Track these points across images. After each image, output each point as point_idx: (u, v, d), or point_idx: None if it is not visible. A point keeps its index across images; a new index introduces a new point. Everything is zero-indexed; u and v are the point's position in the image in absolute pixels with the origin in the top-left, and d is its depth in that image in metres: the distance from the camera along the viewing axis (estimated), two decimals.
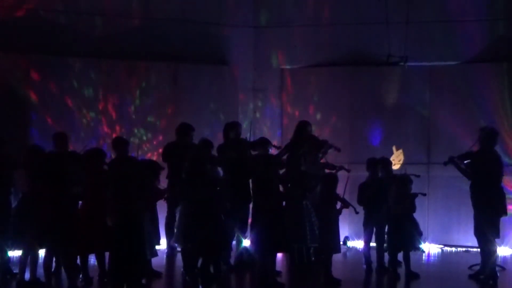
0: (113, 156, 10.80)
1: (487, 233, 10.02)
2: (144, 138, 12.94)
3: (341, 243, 10.35)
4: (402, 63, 12.22)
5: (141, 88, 13.10)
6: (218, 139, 11.29)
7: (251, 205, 10.58)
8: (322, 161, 11.20)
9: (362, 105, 13.44)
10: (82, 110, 12.68)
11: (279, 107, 13.96)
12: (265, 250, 9.46)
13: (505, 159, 11.31)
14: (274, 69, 13.98)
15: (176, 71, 13.29)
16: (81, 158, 9.80)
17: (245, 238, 10.94)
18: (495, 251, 10.18)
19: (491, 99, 12.76)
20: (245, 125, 12.66)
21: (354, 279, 10.41)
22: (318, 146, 11.12)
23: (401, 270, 10.29)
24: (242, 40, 13.89)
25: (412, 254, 10.29)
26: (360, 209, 10.63)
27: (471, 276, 10.33)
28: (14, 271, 9.78)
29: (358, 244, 12.63)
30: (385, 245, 10.36)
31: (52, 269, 9.48)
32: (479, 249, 10.44)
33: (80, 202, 9.51)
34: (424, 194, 10.54)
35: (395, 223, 10.13)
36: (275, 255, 9.73)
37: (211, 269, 9.47)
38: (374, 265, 10.65)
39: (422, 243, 10.71)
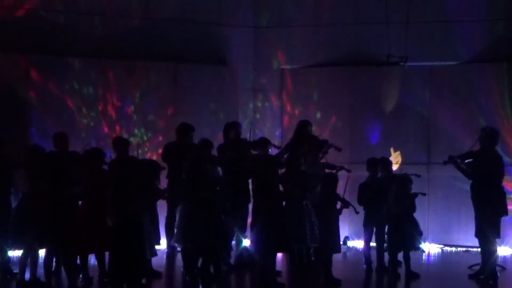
0: (113, 156, 10.80)
1: (487, 233, 10.02)
2: (144, 138, 12.93)
3: (341, 243, 10.35)
4: (402, 63, 12.22)
5: (141, 88, 13.10)
6: (218, 139, 11.29)
7: (250, 205, 10.59)
8: (322, 161, 11.20)
9: (362, 105, 13.43)
10: (82, 110, 12.68)
11: (279, 107, 13.96)
12: (265, 250, 9.46)
13: (506, 159, 11.29)
14: (274, 69, 13.98)
15: (176, 71, 13.29)
16: (81, 158, 9.81)
17: (245, 238, 10.94)
18: (495, 251, 10.17)
19: (491, 99, 12.76)
20: (245, 125, 12.65)
21: (354, 279, 10.40)
22: (318, 146, 11.13)
23: (401, 270, 10.29)
24: (242, 40, 13.89)
25: (412, 254, 10.29)
26: (360, 209, 10.64)
27: (471, 276, 10.33)
28: (14, 271, 9.79)
29: (358, 244, 12.63)
30: (385, 245, 10.36)
31: (52, 269, 9.49)
32: (479, 249, 10.44)
33: (80, 202, 9.51)
34: (424, 194, 10.54)
35: (395, 223, 10.13)
36: (275, 255, 9.74)
37: (211, 269, 9.46)
38: (374, 265, 10.65)
39: (422, 243, 10.71)
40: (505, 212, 10.20)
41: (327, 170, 10.92)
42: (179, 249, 10.71)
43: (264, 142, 10.87)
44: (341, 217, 10.00)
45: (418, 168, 11.79)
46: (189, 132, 11.51)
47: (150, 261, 9.83)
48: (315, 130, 11.89)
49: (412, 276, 10.18)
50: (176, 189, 10.12)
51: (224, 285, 9.73)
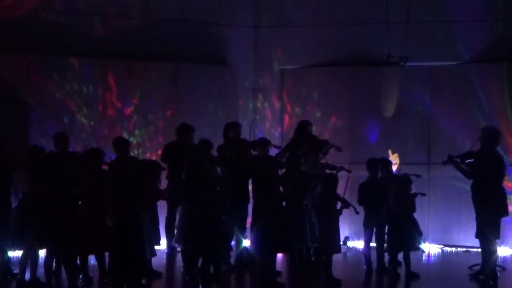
0: (113, 156, 10.80)
1: (487, 233, 10.01)
2: (144, 138, 12.92)
3: (341, 243, 10.35)
4: (402, 63, 12.22)
5: (141, 88, 13.10)
6: (218, 139, 11.28)
7: (250, 205, 10.59)
8: (322, 161, 11.21)
9: (362, 105, 13.44)
10: (82, 110, 12.69)
11: (279, 107, 13.96)
12: (265, 250, 9.47)
13: (506, 159, 11.28)
14: (274, 69, 13.98)
15: (176, 71, 13.29)
16: (81, 158, 9.81)
17: (245, 238, 10.94)
18: (495, 251, 10.16)
19: (491, 99, 12.76)
20: (245, 125, 12.65)
21: (354, 279, 10.40)
22: (319, 146, 11.13)
23: (401, 270, 10.29)
24: (242, 40, 13.89)
25: (412, 254, 10.29)
26: (360, 209, 10.63)
27: (471, 276, 10.32)
28: (14, 271, 9.78)
29: (358, 244, 12.63)
30: (385, 245, 10.36)
31: (52, 269, 9.49)
32: (480, 250, 10.44)
33: (80, 202, 9.51)
34: (424, 194, 10.54)
35: (395, 223, 10.13)
36: (275, 255, 9.74)
37: (211, 269, 9.46)
38: (374, 265, 10.65)
39: (422, 243, 10.71)
40: (505, 212, 10.18)
41: (327, 171, 10.92)
42: (179, 249, 10.70)
43: (264, 142, 10.86)
44: (341, 217, 10.00)
45: (418, 168, 11.79)
46: (189, 132, 11.52)
47: (150, 261, 9.83)
48: (315, 130, 11.89)
49: (412, 276, 10.17)
50: (176, 189, 10.12)
51: (224, 285, 9.73)
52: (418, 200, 10.30)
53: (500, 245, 10.98)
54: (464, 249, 12.57)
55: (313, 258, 10.14)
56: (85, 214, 9.37)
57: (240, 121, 12.38)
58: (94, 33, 12.96)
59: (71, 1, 12.95)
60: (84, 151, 10.16)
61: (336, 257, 10.16)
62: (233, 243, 10.73)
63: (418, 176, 10.77)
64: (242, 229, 10.84)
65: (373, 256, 10.64)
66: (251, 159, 10.71)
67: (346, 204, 10.07)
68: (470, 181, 10.35)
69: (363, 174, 10.91)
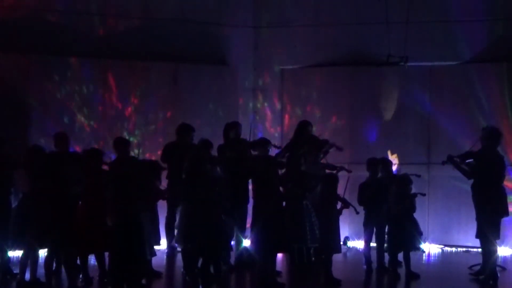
0: (113, 156, 10.80)
1: (487, 233, 10.01)
2: (144, 138, 12.91)
3: (341, 243, 10.35)
4: (402, 63, 12.21)
5: (141, 88, 13.10)
6: (218, 139, 11.28)
7: (249, 205, 10.59)
8: (322, 161, 11.21)
9: (362, 105, 13.44)
10: (82, 110, 12.68)
11: (279, 107, 13.96)
12: (265, 250, 9.46)
13: (506, 159, 11.28)
14: (274, 69, 13.98)
15: (176, 71, 13.29)
16: (81, 158, 9.81)
17: (245, 238, 10.94)
18: (495, 251, 10.16)
19: (491, 99, 12.76)
20: (245, 125, 12.63)
21: (354, 279, 10.40)
22: (319, 146, 11.13)
23: (401, 270, 10.29)
24: (242, 40, 13.89)
25: (412, 254, 10.29)
26: (360, 209, 10.63)
27: (472, 276, 10.32)
28: (15, 271, 9.78)
29: (358, 244, 12.63)
30: (385, 245, 10.36)
31: (53, 269, 9.49)
32: (480, 250, 10.44)
33: (80, 202, 9.50)
34: (424, 194, 10.54)
35: (395, 223, 10.13)
36: (275, 255, 9.74)
37: (211, 269, 9.46)
38: (374, 265, 10.65)
39: (422, 243, 10.71)
40: (505, 212, 10.18)
41: (327, 170, 10.92)
42: (179, 249, 10.71)
43: (264, 142, 10.86)
44: (341, 217, 10.00)
45: (418, 168, 11.79)
46: (189, 132, 11.52)
47: (150, 261, 9.83)
48: (315, 130, 11.89)
49: (412, 276, 10.18)
50: (176, 189, 10.12)
51: (224, 285, 9.73)
52: (418, 200, 10.30)
53: (500, 245, 10.98)
54: (464, 249, 12.57)
55: (313, 258, 10.14)
56: (85, 214, 9.37)
57: (240, 121, 12.37)
58: (94, 33, 12.97)
59: (71, 1, 12.95)
60: (84, 151, 10.16)
61: (336, 257, 10.16)
62: (233, 243, 10.74)
63: (418, 176, 10.77)
64: (242, 229, 10.84)
65: (373, 256, 10.64)
66: (251, 159, 10.71)
67: (346, 204, 10.07)
68: (470, 181, 10.36)
69: (363, 174, 10.90)
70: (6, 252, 9.82)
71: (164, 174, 10.72)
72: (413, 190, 10.25)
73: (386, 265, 10.50)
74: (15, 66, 12.30)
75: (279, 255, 10.59)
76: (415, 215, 10.23)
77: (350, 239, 12.97)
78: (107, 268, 9.39)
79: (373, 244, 10.69)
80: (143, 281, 9.30)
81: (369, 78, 13.33)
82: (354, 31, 13.47)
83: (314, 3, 13.77)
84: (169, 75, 13.27)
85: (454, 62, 13.12)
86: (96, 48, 12.80)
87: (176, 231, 9.81)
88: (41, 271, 9.32)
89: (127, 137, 11.89)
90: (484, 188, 10.08)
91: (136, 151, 11.51)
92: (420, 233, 10.26)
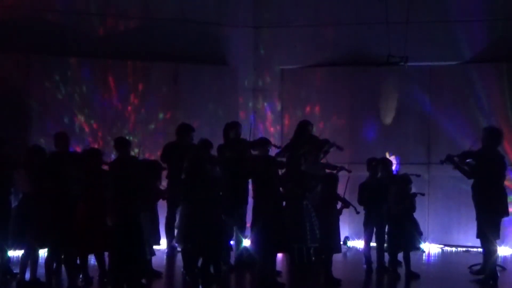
0: (113, 156, 10.80)
1: (487, 233, 10.01)
2: (144, 138, 12.90)
3: (341, 243, 10.35)
4: (402, 63, 12.21)
5: (141, 88, 13.09)
6: (218, 139, 11.28)
7: (249, 205, 10.60)
8: (322, 161, 11.21)
9: (362, 105, 13.43)
10: (82, 110, 12.68)
11: (279, 107, 13.96)
12: (265, 250, 9.46)
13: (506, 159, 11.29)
14: (274, 69, 13.98)
15: (176, 71, 13.29)
16: (81, 158, 9.81)
17: (245, 238, 10.94)
18: (495, 251, 10.16)
19: (491, 99, 12.76)
20: (245, 125, 12.64)
21: (354, 279, 10.40)
22: (319, 146, 11.13)
23: (401, 270, 10.29)
24: (242, 40, 13.89)
25: (412, 254, 10.30)
26: (360, 209, 10.63)
27: (473, 274, 10.32)
28: (14, 271, 9.78)
29: (358, 244, 12.63)
30: (385, 245, 10.36)
31: (53, 268, 9.49)
32: (480, 250, 10.43)
33: (80, 202, 9.50)
34: (423, 194, 10.53)
35: (395, 223, 10.13)
36: (275, 255, 9.74)
37: (211, 269, 9.46)
38: (374, 265, 10.65)
39: (422, 243, 10.71)
40: (505, 213, 10.17)
41: (327, 170, 10.92)
42: (179, 249, 10.71)
43: (264, 142, 10.87)
44: (341, 217, 10.01)
45: (418, 168, 11.80)
46: (189, 132, 11.53)
47: (150, 261, 9.83)
48: (315, 130, 11.90)
49: (412, 276, 10.18)
50: (176, 189, 10.12)
51: (224, 285, 9.73)
52: (418, 200, 10.30)
53: (500, 245, 10.98)
54: (464, 249, 12.57)
55: (313, 258, 10.14)
56: (85, 214, 9.36)
57: (240, 121, 12.37)
58: (94, 33, 12.96)
59: (71, 1, 12.95)
60: (84, 151, 10.16)
61: (336, 257, 10.16)
62: (233, 243, 10.74)
63: (418, 176, 10.77)
64: (242, 229, 10.84)
65: (373, 256, 10.63)
66: (251, 159, 10.71)
67: (346, 204, 10.07)
68: (470, 181, 10.35)
69: (363, 174, 10.90)
70: (6, 252, 9.82)
71: (164, 174, 10.71)
72: (413, 190, 10.26)
73: (386, 265, 10.50)
74: (15, 66, 12.29)
75: (279, 255, 10.59)
76: (415, 215, 10.23)
77: (350, 239, 12.97)
78: (107, 268, 9.39)
79: (373, 244, 10.69)
80: (143, 281, 9.30)
81: (369, 78, 13.33)
82: (354, 31, 13.47)
83: (314, 3, 13.76)
84: (169, 75, 13.27)
85: (454, 62, 13.12)
86: (96, 48, 12.80)
87: (176, 231, 9.82)
88: (41, 271, 9.32)
89: (127, 137, 11.88)
90: (484, 188, 10.08)
91: (136, 150, 11.52)
92: (420, 233, 10.26)
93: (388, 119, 13.33)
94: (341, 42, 13.58)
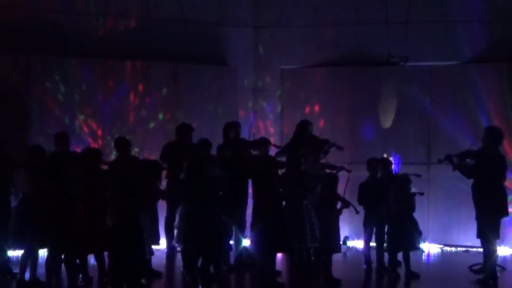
0: (113, 156, 10.81)
1: (487, 233, 10.01)
2: (144, 138, 12.89)
3: (341, 243, 10.35)
4: (402, 63, 12.22)
5: (141, 88, 13.09)
6: (218, 139, 11.28)
7: (249, 205, 10.60)
8: (322, 161, 11.21)
9: (362, 105, 13.43)
10: (82, 110, 12.68)
11: (279, 107, 13.96)
12: (265, 250, 9.47)
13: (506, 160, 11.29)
14: (274, 69, 13.98)
15: (176, 71, 13.29)
16: (81, 158, 9.81)
17: (244, 238, 10.94)
18: (495, 251, 10.16)
19: (491, 99, 12.76)
20: (245, 125, 12.64)
21: (354, 279, 10.40)
22: (319, 146, 11.13)
23: (401, 270, 10.30)
24: (242, 40, 13.89)
25: (412, 254, 10.30)
26: (360, 209, 10.64)
27: (474, 273, 10.32)
28: (14, 271, 9.79)
29: (358, 244, 12.63)
30: (385, 245, 10.36)
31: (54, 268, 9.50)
32: (481, 249, 10.43)
33: (80, 202, 9.50)
34: (422, 193, 10.52)
35: (395, 223, 10.13)
36: (275, 255, 9.74)
37: (211, 269, 9.47)
38: (374, 265, 10.65)
39: (422, 242, 10.70)
40: (505, 213, 10.17)
41: (327, 170, 10.92)
42: (179, 249, 10.71)
43: (264, 142, 10.88)
44: (341, 217, 10.01)
45: (418, 168, 11.78)
46: (188, 132, 11.53)
47: (150, 261, 9.84)
48: (315, 130, 11.90)
49: (412, 276, 10.18)
50: (176, 189, 10.12)
51: (224, 285, 9.73)
52: (418, 200, 10.30)
53: (500, 245, 10.98)
54: (463, 248, 12.57)
55: (313, 258, 10.15)
56: (85, 214, 9.36)
57: (240, 121, 12.37)
58: (94, 33, 12.96)
59: (71, 1, 12.95)
60: (83, 151, 10.16)
61: (336, 257, 10.16)
62: (232, 243, 10.74)
63: (418, 175, 10.77)
64: (242, 229, 10.84)
65: (373, 255, 10.64)
66: (251, 159, 10.71)
67: (346, 204, 10.07)
68: (470, 181, 10.35)
69: (363, 174, 10.91)
70: (6, 252, 9.83)
71: (164, 174, 10.71)
72: (412, 190, 10.25)
73: (386, 264, 10.50)
74: (15, 66, 12.30)
75: (279, 255, 10.60)
76: (415, 214, 10.24)
77: (350, 239, 12.97)
78: (107, 268, 9.39)
79: (372, 244, 10.69)
80: (143, 281, 9.30)
81: (369, 78, 13.33)
82: (354, 31, 13.48)
83: (314, 3, 13.76)
84: (169, 75, 13.27)
85: (454, 62, 13.12)
86: (96, 48, 12.80)
87: (176, 231, 9.82)
88: (40, 270, 9.32)
89: (127, 137, 11.88)
90: (484, 188, 10.07)
91: (136, 149, 11.52)
92: (420, 233, 10.26)
93: (388, 119, 13.32)
94: (341, 42, 13.58)
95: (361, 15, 13.40)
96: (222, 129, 11.48)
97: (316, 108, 13.62)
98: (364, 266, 10.73)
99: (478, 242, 10.34)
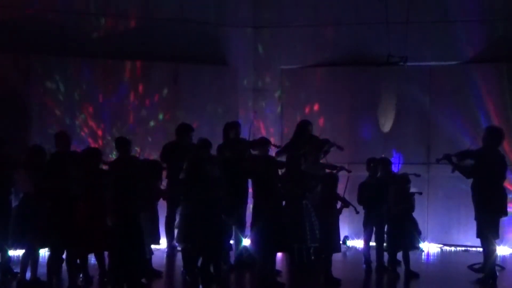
0: (113, 156, 10.81)
1: (486, 233, 10.01)
2: (144, 138, 12.90)
3: (341, 242, 10.35)
4: (402, 63, 12.22)
5: (141, 88, 13.10)
6: (218, 139, 11.29)
7: (248, 205, 10.60)
8: (322, 161, 11.21)
9: (362, 105, 13.43)
10: (82, 110, 12.69)
11: (279, 107, 13.97)
12: (265, 250, 9.47)
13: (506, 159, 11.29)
14: (274, 69, 13.98)
15: (176, 71, 13.29)
16: (81, 158, 9.81)
17: (244, 237, 10.95)
18: (495, 250, 10.16)
19: (491, 99, 12.76)
20: (245, 125, 12.65)
21: (354, 279, 10.41)
22: (319, 146, 11.14)
23: (401, 270, 10.30)
24: (242, 40, 13.89)
25: (412, 254, 10.30)
26: (360, 208, 10.64)
27: (474, 272, 10.32)
28: (15, 271, 9.79)
29: (358, 243, 12.63)
30: (384, 244, 10.37)
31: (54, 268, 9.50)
32: (480, 249, 10.43)
33: (80, 202, 9.51)
34: (420, 193, 10.51)
35: (395, 222, 10.14)
36: (275, 255, 9.74)
37: (211, 269, 9.47)
38: (374, 264, 10.66)
39: (422, 242, 10.70)
40: (504, 213, 10.17)
41: (327, 170, 10.93)
42: (179, 249, 10.72)
43: (264, 142, 10.88)
44: (341, 217, 10.01)
45: (418, 168, 11.79)
46: (188, 132, 11.54)
47: (150, 260, 9.84)
48: (315, 130, 11.90)
49: (411, 275, 10.18)
50: (176, 189, 10.12)
51: (224, 285, 9.74)
52: (417, 200, 10.31)
53: (499, 245, 10.98)
54: (463, 248, 12.58)
55: (313, 258, 10.15)
56: (85, 214, 9.35)
57: (240, 121, 12.38)
58: (94, 33, 12.97)
59: (71, 1, 12.95)
60: (83, 150, 10.17)
61: (336, 257, 10.17)
62: (232, 242, 10.74)
63: (418, 175, 10.77)
64: (242, 229, 10.85)
65: (373, 255, 10.64)
66: (251, 159, 10.71)
67: (346, 204, 10.07)
68: (470, 181, 10.35)
69: (363, 174, 10.91)
70: (6, 252, 9.83)
71: (164, 174, 10.71)
72: (411, 189, 10.25)
73: (386, 264, 10.51)
74: (15, 66, 12.30)
75: (279, 255, 10.60)
76: (415, 214, 10.24)
77: (350, 239, 12.97)
78: (107, 268, 9.39)
79: (372, 244, 10.70)
80: (143, 281, 9.30)
81: (369, 78, 13.33)
82: (354, 31, 13.48)
83: (314, 3, 13.76)
84: (169, 75, 13.27)
85: (454, 62, 13.12)
86: (96, 48, 12.80)
87: (176, 231, 9.82)
88: (41, 270, 9.33)
89: (127, 137, 11.88)
90: (484, 188, 10.07)
91: (137, 148, 11.53)
92: (419, 233, 10.27)
93: (388, 119, 13.32)
94: (341, 42, 13.58)
95: (361, 15, 13.40)
96: (222, 129, 11.48)
97: (316, 108, 13.62)
98: (364, 266, 10.73)
99: (477, 241, 10.35)
